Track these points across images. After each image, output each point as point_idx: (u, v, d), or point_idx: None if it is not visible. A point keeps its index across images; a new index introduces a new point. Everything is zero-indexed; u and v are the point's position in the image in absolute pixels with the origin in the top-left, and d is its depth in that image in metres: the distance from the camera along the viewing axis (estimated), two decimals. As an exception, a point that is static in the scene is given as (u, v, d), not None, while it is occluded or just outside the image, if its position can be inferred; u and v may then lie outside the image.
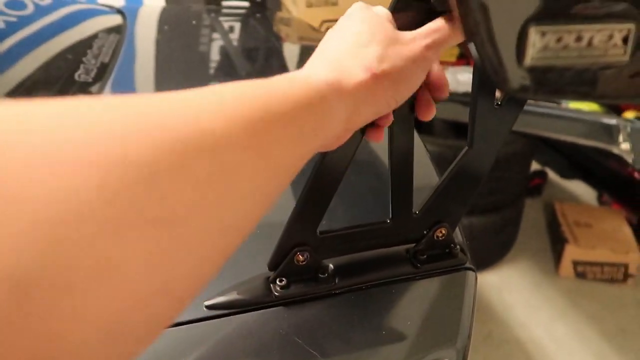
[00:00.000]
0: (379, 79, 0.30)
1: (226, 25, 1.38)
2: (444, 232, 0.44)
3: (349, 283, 0.43)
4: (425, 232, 0.44)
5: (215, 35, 1.29)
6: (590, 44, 0.21)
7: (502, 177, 1.57)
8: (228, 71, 1.05)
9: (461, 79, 2.11)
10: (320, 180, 0.38)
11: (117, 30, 1.06)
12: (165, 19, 1.29)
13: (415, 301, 0.44)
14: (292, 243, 0.40)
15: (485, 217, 1.62)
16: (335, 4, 1.92)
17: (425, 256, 0.45)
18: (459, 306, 0.44)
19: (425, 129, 1.66)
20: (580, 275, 1.69)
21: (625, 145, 1.48)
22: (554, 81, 0.22)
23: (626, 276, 1.66)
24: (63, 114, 0.18)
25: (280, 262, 0.40)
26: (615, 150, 1.49)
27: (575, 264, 1.68)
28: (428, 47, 0.32)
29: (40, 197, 0.15)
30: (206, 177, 0.20)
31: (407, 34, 0.33)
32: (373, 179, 0.56)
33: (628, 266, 1.64)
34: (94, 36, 0.97)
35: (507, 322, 1.56)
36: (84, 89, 0.75)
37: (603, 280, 1.68)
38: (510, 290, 1.66)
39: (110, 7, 1.31)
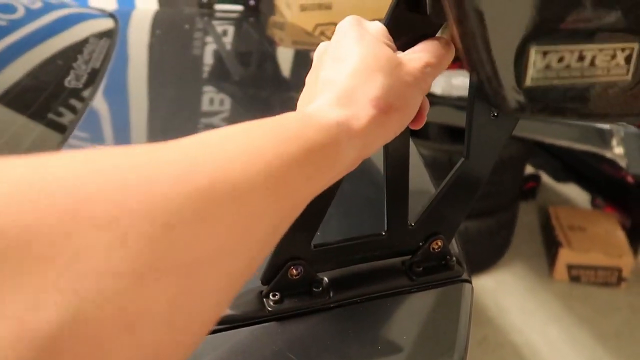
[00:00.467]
0: (388, 113, 0.30)
1: (219, 29, 1.38)
2: (440, 244, 0.44)
3: (344, 296, 0.42)
4: (421, 244, 0.44)
5: (209, 40, 1.28)
6: (592, 63, 0.20)
7: (496, 181, 1.57)
8: (222, 76, 1.04)
9: (455, 82, 2.11)
10: None
11: (108, 34, 1.05)
12: (158, 23, 1.28)
13: (411, 314, 0.43)
14: (286, 257, 0.39)
15: (480, 221, 1.61)
16: (329, 7, 1.92)
17: (421, 268, 0.44)
18: (455, 319, 0.43)
19: (419, 133, 1.65)
20: (575, 279, 1.69)
21: (618, 150, 1.49)
22: (555, 101, 0.21)
23: (620, 280, 1.66)
24: (82, 164, 0.18)
25: (273, 276, 0.40)
26: (608, 155, 1.49)
27: (570, 267, 1.68)
28: (427, 73, 0.32)
29: (64, 254, 0.15)
30: (228, 224, 0.20)
31: (407, 58, 0.32)
32: (368, 189, 0.55)
33: (621, 270, 1.65)
34: (85, 41, 0.96)
35: (502, 326, 1.55)
36: (74, 95, 0.74)
37: (597, 284, 1.68)
38: (505, 294, 1.66)
39: (102, 10, 1.30)
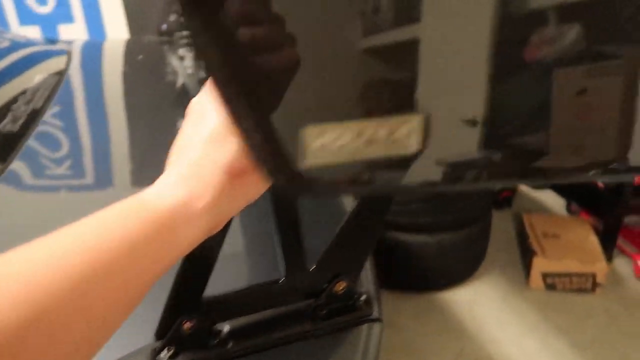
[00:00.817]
0: (242, 175, 0.29)
1: (179, 53, 1.37)
2: (343, 285, 0.44)
3: (245, 346, 0.41)
4: (324, 286, 0.43)
5: (164, 69, 1.28)
6: (371, 140, 0.20)
7: (468, 193, 1.57)
8: (177, 103, 1.04)
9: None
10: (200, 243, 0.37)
11: (57, 72, 1.04)
12: (111, 55, 1.28)
13: None
14: (177, 312, 0.39)
15: (454, 234, 1.61)
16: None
17: (325, 311, 0.44)
18: (362, 362, 0.42)
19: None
20: (550, 287, 1.69)
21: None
22: (335, 178, 0.21)
23: (594, 285, 1.66)
24: None
25: (166, 331, 0.39)
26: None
27: (545, 275, 1.68)
28: None
29: None
30: None
31: None
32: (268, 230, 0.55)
33: (596, 275, 1.65)
34: (32, 81, 0.96)
35: (479, 339, 1.55)
36: (6, 140, 0.73)
37: (572, 291, 1.68)
38: (482, 305, 1.65)
39: (61, 46, 1.30)
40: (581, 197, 1.93)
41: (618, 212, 1.75)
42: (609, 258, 1.79)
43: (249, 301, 0.42)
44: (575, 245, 1.72)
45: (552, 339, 1.53)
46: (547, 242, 1.73)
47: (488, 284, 1.74)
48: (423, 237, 1.60)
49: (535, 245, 1.71)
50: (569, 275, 1.66)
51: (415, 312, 1.62)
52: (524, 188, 2.23)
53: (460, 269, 1.72)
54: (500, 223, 1.99)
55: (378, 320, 0.46)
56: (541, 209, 2.13)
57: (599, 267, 1.64)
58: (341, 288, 0.44)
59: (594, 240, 1.73)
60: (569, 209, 2.08)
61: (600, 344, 1.51)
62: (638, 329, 1.56)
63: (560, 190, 2.07)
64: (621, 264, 1.81)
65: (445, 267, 1.65)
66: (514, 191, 2.20)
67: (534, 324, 1.58)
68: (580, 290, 1.67)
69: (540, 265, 1.67)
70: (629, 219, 1.95)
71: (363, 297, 0.46)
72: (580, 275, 1.65)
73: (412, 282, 1.67)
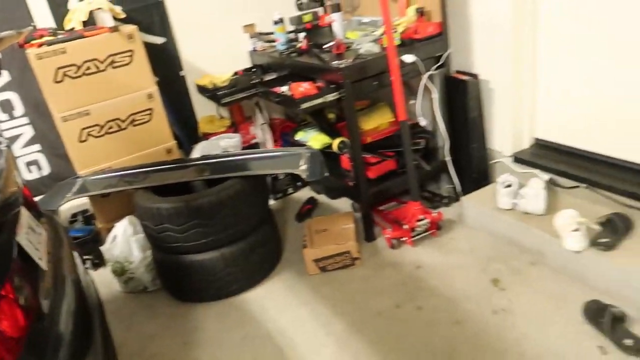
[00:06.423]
0: None
1: None
2: None
3: None
4: None
5: None
6: None
7: (232, 214, 2.02)
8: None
9: (222, 144, 2.65)
10: None
11: None
12: None
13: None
14: None
15: (232, 247, 2.06)
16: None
17: None
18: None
19: (161, 192, 2.10)
20: (323, 269, 2.16)
21: (303, 166, 2.00)
22: None
23: (354, 260, 2.15)
24: None
25: None
26: (297, 172, 2.00)
27: (316, 261, 2.15)
28: None
29: None
30: None
31: None
32: None
33: (350, 252, 2.13)
34: None
35: (262, 321, 1.96)
36: None
37: (340, 268, 2.15)
38: (271, 298, 2.08)
39: None
40: (348, 194, 2.47)
41: (365, 202, 2.28)
42: (370, 238, 2.30)
43: None
44: (336, 233, 2.22)
45: (320, 306, 1.97)
46: (317, 237, 2.22)
47: (279, 280, 2.19)
48: (209, 254, 2.04)
49: (307, 241, 2.19)
50: (331, 257, 2.14)
51: (217, 315, 2.04)
52: (326, 200, 2.74)
53: (249, 273, 2.15)
54: (298, 231, 2.48)
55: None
56: (335, 212, 2.63)
57: (351, 245, 2.13)
58: None
59: (350, 227, 2.24)
60: (353, 207, 2.60)
61: (358, 298, 1.96)
62: (381, 283, 2.03)
63: (349, 195, 2.58)
64: (382, 241, 2.31)
65: (232, 275, 2.09)
66: (314, 204, 2.71)
67: (307, 299, 2.03)
68: (345, 266, 2.15)
69: (309, 254, 2.14)
70: (388, 206, 2.49)
71: None
72: (339, 254, 2.14)
73: (210, 293, 2.10)
